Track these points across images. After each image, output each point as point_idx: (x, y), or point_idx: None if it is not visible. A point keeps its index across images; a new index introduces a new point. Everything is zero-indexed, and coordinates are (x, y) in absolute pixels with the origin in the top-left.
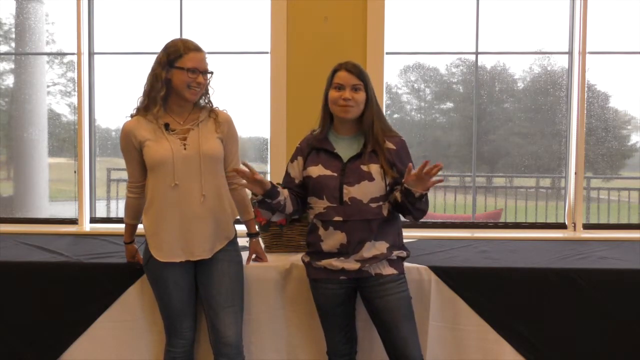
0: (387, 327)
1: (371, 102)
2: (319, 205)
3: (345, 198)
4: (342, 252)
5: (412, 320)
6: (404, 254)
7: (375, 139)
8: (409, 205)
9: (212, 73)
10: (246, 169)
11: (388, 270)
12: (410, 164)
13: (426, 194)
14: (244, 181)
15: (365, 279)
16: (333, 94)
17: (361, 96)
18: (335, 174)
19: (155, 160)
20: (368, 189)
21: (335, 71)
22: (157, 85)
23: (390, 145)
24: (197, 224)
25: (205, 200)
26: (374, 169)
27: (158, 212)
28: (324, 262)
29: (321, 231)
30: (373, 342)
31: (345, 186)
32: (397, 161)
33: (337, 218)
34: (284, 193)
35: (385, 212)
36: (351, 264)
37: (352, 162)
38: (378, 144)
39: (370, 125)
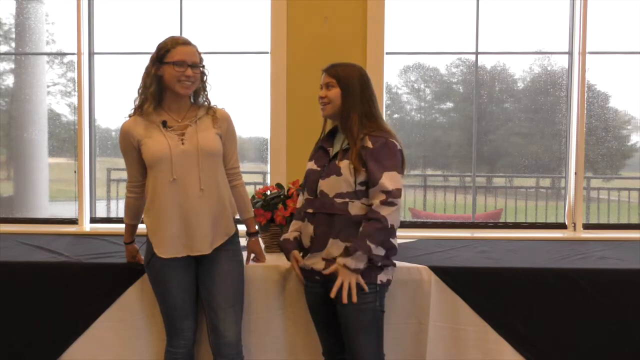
0: (344, 335)
1: (349, 97)
2: (304, 197)
3: (317, 191)
4: (312, 246)
5: (372, 335)
6: (377, 263)
7: (350, 135)
8: None
9: (203, 66)
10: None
11: None
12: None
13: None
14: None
15: (333, 282)
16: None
17: (333, 92)
18: (318, 169)
19: (154, 157)
20: (334, 184)
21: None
22: (147, 81)
23: (368, 143)
24: (196, 218)
25: (203, 194)
26: (344, 164)
27: (159, 208)
28: (301, 262)
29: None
30: None
31: (320, 180)
32: (370, 160)
33: (309, 210)
34: (296, 226)
35: (352, 211)
36: (318, 263)
37: (335, 159)
38: (352, 139)
39: (346, 120)
